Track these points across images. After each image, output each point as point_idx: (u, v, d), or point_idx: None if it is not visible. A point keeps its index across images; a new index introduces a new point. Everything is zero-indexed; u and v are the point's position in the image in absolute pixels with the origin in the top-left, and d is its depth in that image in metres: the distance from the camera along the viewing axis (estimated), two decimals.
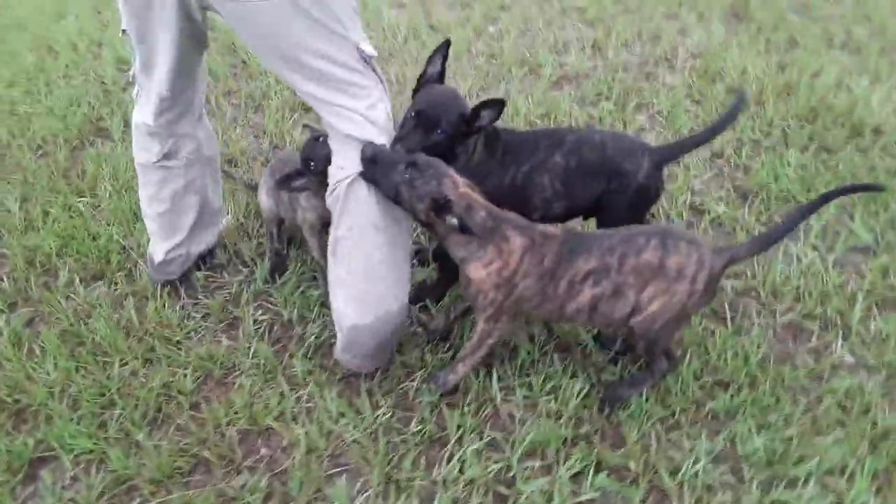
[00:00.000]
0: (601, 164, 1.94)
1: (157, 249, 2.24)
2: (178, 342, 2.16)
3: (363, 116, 1.72)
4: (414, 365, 2.07)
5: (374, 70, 1.75)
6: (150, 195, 2.15)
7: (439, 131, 1.83)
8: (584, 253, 1.70)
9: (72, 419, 1.91)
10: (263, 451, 1.88)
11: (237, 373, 2.08)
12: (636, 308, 1.72)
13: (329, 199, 1.82)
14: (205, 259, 2.38)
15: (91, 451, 1.84)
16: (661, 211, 2.65)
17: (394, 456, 1.83)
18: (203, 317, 2.26)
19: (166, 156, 2.07)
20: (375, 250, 1.79)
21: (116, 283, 2.38)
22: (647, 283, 1.69)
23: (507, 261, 1.71)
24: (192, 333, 2.20)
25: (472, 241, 1.70)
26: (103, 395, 1.98)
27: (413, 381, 2.02)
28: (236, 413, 1.94)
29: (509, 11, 4.34)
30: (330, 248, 1.84)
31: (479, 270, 1.72)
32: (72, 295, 2.32)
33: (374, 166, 1.69)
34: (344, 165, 1.76)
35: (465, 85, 3.44)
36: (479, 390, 1.98)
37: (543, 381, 1.99)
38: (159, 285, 2.30)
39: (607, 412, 1.92)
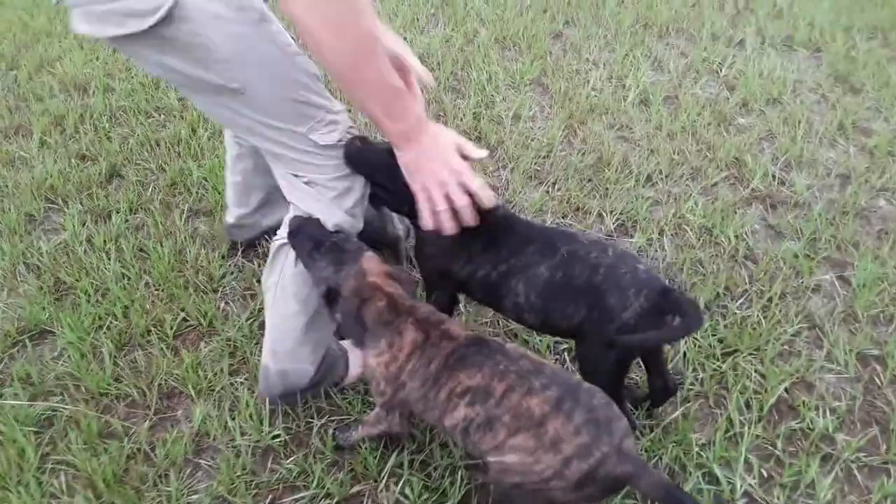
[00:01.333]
0: (584, 289, 1.66)
1: (228, 212, 2.47)
2: (203, 289, 2.40)
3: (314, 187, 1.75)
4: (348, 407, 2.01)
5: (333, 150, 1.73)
6: (229, 163, 2.37)
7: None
8: (472, 367, 1.50)
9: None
10: (174, 412, 2.02)
11: (213, 336, 2.23)
12: (497, 447, 1.46)
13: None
14: (275, 231, 2.55)
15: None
16: None
17: (249, 479, 1.83)
18: (235, 278, 2.44)
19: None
20: (290, 318, 1.82)
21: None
22: (518, 431, 1.42)
23: (395, 356, 1.58)
24: (219, 285, 2.42)
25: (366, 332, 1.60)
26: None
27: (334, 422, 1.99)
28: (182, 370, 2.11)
29: None
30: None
31: (370, 359, 1.63)
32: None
33: (294, 238, 1.71)
34: (284, 225, 1.81)
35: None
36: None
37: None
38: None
39: None
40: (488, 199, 1.64)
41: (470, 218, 1.63)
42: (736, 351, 2.17)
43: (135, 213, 2.75)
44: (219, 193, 2.74)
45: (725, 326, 2.25)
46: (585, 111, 3.39)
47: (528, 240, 1.77)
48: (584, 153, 3.10)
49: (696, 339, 2.19)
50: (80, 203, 2.78)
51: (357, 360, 2.07)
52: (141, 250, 2.55)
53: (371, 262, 1.62)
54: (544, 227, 1.89)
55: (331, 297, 1.60)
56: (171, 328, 2.23)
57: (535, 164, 3.02)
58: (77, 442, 1.89)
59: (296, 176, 1.74)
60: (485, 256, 1.78)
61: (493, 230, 1.78)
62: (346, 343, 2.08)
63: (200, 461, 1.89)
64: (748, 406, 2.03)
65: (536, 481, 1.41)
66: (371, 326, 1.58)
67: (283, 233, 1.79)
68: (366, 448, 1.86)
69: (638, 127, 3.28)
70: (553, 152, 3.08)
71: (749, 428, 1.95)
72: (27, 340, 2.21)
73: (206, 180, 2.87)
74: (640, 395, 2.02)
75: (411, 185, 1.66)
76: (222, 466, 1.83)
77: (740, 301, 2.35)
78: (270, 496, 1.81)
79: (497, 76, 3.62)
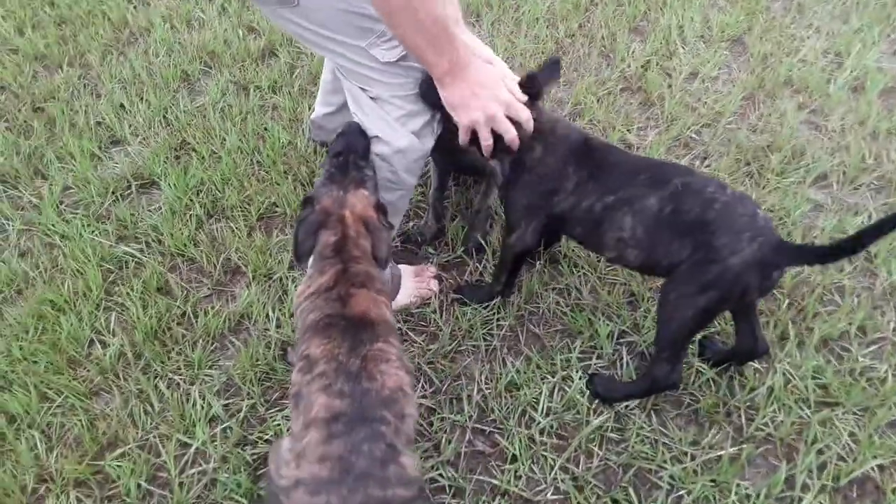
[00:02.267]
0: (693, 225, 1.53)
1: (316, 108, 2.41)
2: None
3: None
4: None
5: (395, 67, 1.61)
6: (326, 61, 2.27)
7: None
8: (325, 338, 1.32)
9: None
10: (231, 288, 2.08)
11: (289, 228, 2.25)
12: (303, 424, 1.26)
13: None
14: None
15: None
16: None
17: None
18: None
19: None
20: None
21: None
22: (307, 427, 1.22)
23: (305, 289, 1.46)
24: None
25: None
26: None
27: None
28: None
29: None
30: None
31: (300, 286, 1.51)
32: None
33: (339, 138, 1.65)
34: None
35: None
36: None
37: None
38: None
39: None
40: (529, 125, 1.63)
41: (514, 145, 1.64)
42: (836, 404, 1.78)
43: (273, 93, 2.82)
44: None
45: (836, 372, 1.85)
46: (779, 83, 2.87)
47: (638, 169, 1.64)
48: (756, 131, 2.65)
49: (790, 373, 1.83)
50: (230, 73, 2.90)
51: (406, 290, 1.98)
52: (265, 129, 2.62)
53: (358, 199, 1.49)
54: (653, 159, 1.74)
55: (306, 202, 1.52)
56: (258, 210, 2.29)
57: (692, 130, 2.64)
58: (136, 290, 2.02)
59: (362, 90, 1.65)
60: (591, 186, 1.67)
61: (599, 158, 1.69)
62: (402, 268, 1.99)
63: (234, 339, 1.94)
64: (822, 469, 1.67)
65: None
66: (315, 253, 1.47)
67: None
68: None
69: (836, 116, 2.72)
70: (719, 122, 2.67)
71: (813, 496, 1.61)
72: (136, 188, 2.39)
73: None
74: (719, 350, 1.87)
75: (458, 120, 1.56)
76: (242, 352, 1.87)
77: (871, 349, 1.91)
78: (279, 393, 1.82)
79: (692, 25, 3.18)
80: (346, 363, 1.25)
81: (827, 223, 2.25)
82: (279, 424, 1.73)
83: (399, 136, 1.66)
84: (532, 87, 1.67)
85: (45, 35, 3.13)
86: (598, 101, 2.76)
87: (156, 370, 1.85)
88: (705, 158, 2.53)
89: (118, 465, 1.65)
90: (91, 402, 1.79)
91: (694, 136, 2.63)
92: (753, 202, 1.55)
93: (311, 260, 1.49)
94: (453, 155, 1.98)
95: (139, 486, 1.63)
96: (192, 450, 1.68)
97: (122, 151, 2.56)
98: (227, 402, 1.79)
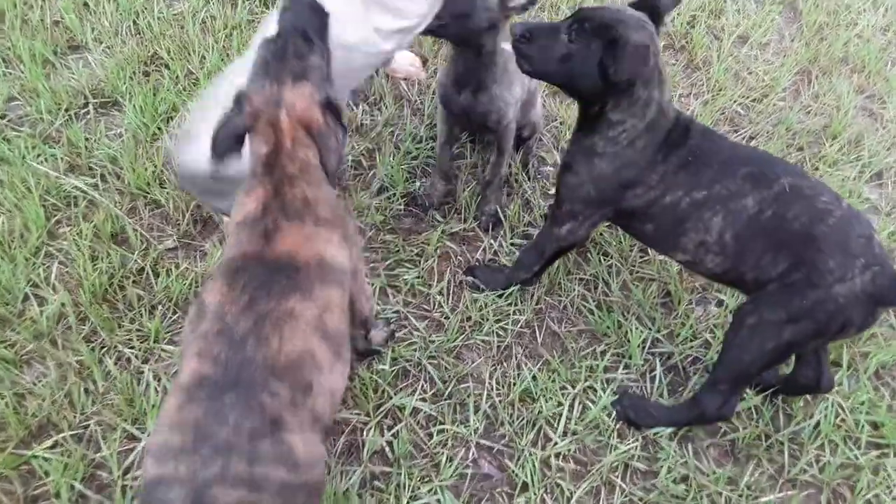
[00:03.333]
0: (796, 237, 1.28)
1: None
2: None
3: None
4: None
5: None
6: None
7: None
8: (227, 281, 1.06)
9: None
10: (200, 243, 1.75)
11: None
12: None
13: None
14: None
15: None
16: None
17: None
18: None
19: None
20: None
21: None
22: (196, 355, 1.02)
23: (234, 218, 1.15)
24: None
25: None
26: None
27: None
28: None
29: None
30: None
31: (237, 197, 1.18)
32: None
33: (283, 13, 1.24)
34: None
35: None
36: None
37: None
38: None
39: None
40: None
41: None
42: (889, 446, 1.56)
43: (266, 7, 2.41)
44: None
45: (890, 409, 1.62)
46: (835, 60, 2.56)
47: (740, 161, 1.36)
48: (809, 112, 2.35)
49: (840, 405, 1.60)
50: None
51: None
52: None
53: (298, 97, 1.13)
54: (760, 151, 1.44)
55: (238, 102, 1.15)
56: None
57: (740, 104, 2.33)
58: (84, 235, 1.68)
59: None
60: (681, 177, 1.38)
61: (696, 146, 1.39)
62: None
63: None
64: None
65: None
66: (252, 166, 1.15)
67: None
68: None
69: (894, 105, 2.44)
70: (770, 98, 2.36)
71: None
72: (95, 107, 2.01)
73: None
74: (773, 375, 1.60)
75: None
76: None
77: None
78: None
79: None
80: (235, 326, 1.01)
81: (882, 226, 2.00)
82: None
83: (359, 28, 1.34)
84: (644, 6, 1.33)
85: None
86: None
87: (102, 340, 1.54)
88: (752, 138, 2.23)
89: (47, 459, 1.35)
90: (20, 373, 1.47)
91: (741, 110, 2.32)
92: (870, 224, 1.29)
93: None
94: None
95: (72, 487, 1.33)
96: (141, 445, 1.39)
97: (82, 60, 2.16)
98: None
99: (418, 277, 1.74)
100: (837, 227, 1.25)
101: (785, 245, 1.28)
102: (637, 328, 1.66)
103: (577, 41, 1.33)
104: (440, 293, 1.71)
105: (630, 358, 1.62)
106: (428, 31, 1.54)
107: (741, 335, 1.33)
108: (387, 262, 1.75)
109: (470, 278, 1.73)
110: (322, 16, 1.23)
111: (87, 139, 1.90)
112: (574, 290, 1.74)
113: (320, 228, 1.12)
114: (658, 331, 1.68)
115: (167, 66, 2.12)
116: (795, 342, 1.29)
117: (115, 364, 1.49)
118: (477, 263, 1.79)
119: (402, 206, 1.89)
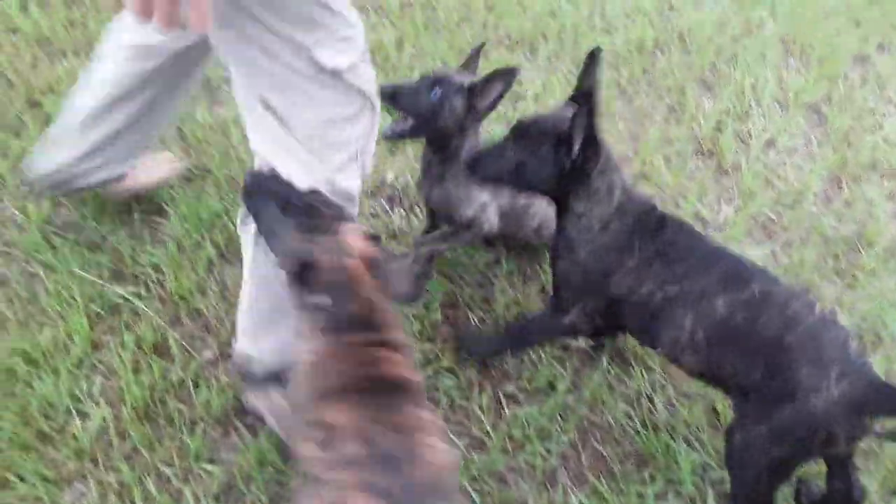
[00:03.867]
0: (770, 346, 1.28)
1: (61, 149, 1.82)
2: None
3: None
4: None
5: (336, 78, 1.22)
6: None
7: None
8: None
9: None
10: None
11: None
12: None
13: None
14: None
15: None
16: None
17: None
18: None
19: None
20: (256, 291, 1.45)
21: None
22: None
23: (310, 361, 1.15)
24: None
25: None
26: None
27: None
28: None
29: None
30: None
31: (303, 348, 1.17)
32: None
33: (251, 199, 1.23)
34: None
35: None
36: None
37: None
38: None
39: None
40: None
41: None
42: None
43: None
44: None
45: None
46: (864, 166, 2.59)
47: (713, 260, 1.38)
48: (841, 219, 2.36)
49: None
50: None
51: None
52: None
53: (354, 237, 1.15)
54: (733, 253, 1.45)
55: (304, 275, 1.14)
56: None
57: (771, 210, 2.35)
58: (127, 346, 1.69)
59: (269, 109, 1.22)
60: (655, 267, 1.39)
61: (671, 237, 1.42)
62: None
63: (240, 424, 1.61)
64: None
65: None
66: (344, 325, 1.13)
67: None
68: None
69: None
70: (801, 204, 2.38)
71: None
72: (139, 213, 2.04)
73: None
74: (815, 494, 1.52)
75: None
76: (250, 445, 1.54)
77: None
78: None
79: (766, 85, 2.89)
80: (381, 442, 1.00)
81: None
82: None
83: (316, 172, 1.27)
84: (585, 99, 1.36)
85: (52, 15, 2.78)
86: (665, 161, 2.47)
87: (143, 459, 1.52)
88: (788, 245, 2.24)
89: None
90: (60, 494, 1.45)
91: (773, 216, 2.33)
92: (845, 330, 1.29)
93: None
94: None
95: None
96: None
97: None
98: None
99: (458, 389, 1.72)
100: (808, 335, 1.25)
101: (759, 351, 1.29)
102: (686, 450, 1.62)
103: (526, 150, 1.42)
104: (480, 408, 1.69)
105: (681, 484, 1.58)
106: (396, 136, 1.62)
107: (735, 454, 1.34)
108: (426, 372, 1.74)
109: (461, 350, 1.75)
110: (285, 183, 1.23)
111: (132, 247, 1.93)
112: (618, 407, 1.71)
113: (406, 352, 1.15)
114: (708, 454, 1.64)
115: (210, 173, 2.17)
116: (786, 459, 1.28)
117: (156, 484, 1.47)
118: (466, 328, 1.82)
119: (439, 315, 1.88)
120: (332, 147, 1.27)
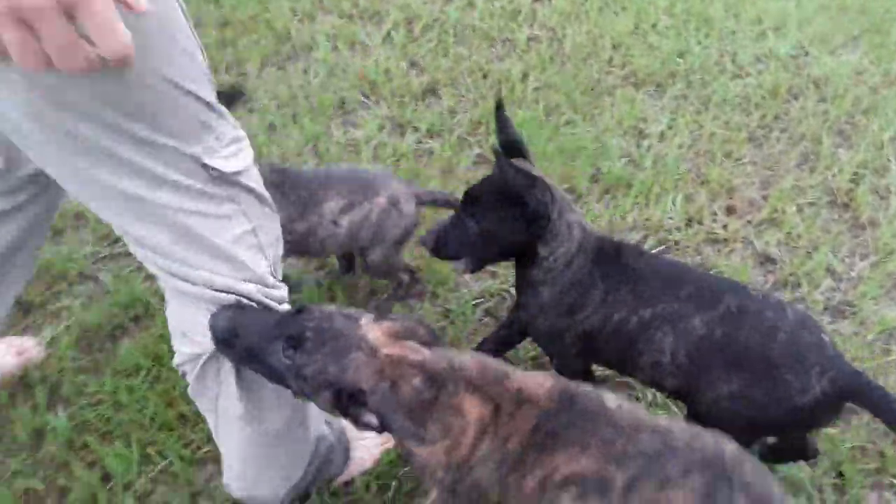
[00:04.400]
0: (754, 357, 1.34)
1: None
2: None
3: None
4: None
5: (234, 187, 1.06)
6: None
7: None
8: (572, 446, 1.08)
9: None
10: None
11: None
12: None
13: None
14: None
15: None
16: None
17: None
18: None
19: None
20: (246, 444, 1.27)
21: None
22: None
23: (457, 440, 1.12)
24: None
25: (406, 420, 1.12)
26: None
27: None
28: None
29: None
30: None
31: (420, 450, 1.15)
32: None
33: (234, 349, 1.10)
34: (194, 338, 1.13)
35: None
36: None
37: None
38: None
39: None
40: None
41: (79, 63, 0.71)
42: None
43: (430, 137, 2.58)
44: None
45: None
46: None
47: (680, 278, 1.42)
48: None
49: None
50: (388, 107, 2.69)
51: (367, 448, 1.61)
52: (416, 176, 2.37)
53: (372, 329, 1.11)
54: (695, 269, 1.56)
55: (347, 401, 1.08)
56: None
57: None
58: None
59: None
60: (623, 293, 1.41)
61: (632, 263, 1.44)
62: (345, 423, 1.50)
63: None
64: None
65: None
66: (410, 415, 1.10)
67: (194, 348, 1.14)
68: None
69: None
70: None
71: None
72: None
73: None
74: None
75: None
76: None
77: None
78: None
79: None
80: (637, 442, 1.08)
81: None
82: None
83: (242, 287, 1.11)
84: (516, 148, 1.46)
85: (205, 35, 3.02)
86: (798, 210, 2.39)
87: None
88: None
89: None
90: (194, 472, 1.55)
91: None
92: (819, 327, 1.37)
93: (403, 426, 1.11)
94: None
95: None
96: None
97: None
98: None
99: None
100: (789, 342, 1.31)
101: (742, 364, 1.33)
102: None
103: (485, 216, 1.43)
104: None
105: None
106: None
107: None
108: None
109: None
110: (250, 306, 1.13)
111: None
112: None
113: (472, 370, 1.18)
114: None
115: None
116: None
117: None
118: None
119: None
120: (253, 250, 1.12)
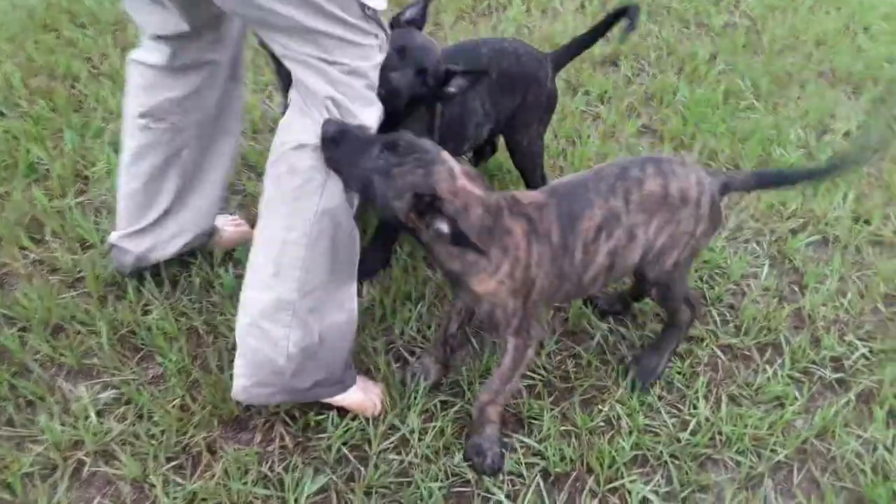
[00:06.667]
0: (521, 75, 1.86)
1: (120, 224, 1.79)
2: None
3: (349, 72, 1.29)
4: None
5: (378, 25, 1.31)
6: (125, 164, 1.70)
7: (422, 79, 1.53)
8: (586, 208, 1.42)
9: None
10: None
11: None
12: (646, 248, 1.49)
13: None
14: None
15: None
16: None
17: None
18: None
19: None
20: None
21: None
22: (653, 215, 1.46)
23: (516, 257, 1.36)
24: None
25: (468, 251, 1.30)
26: None
27: None
28: None
29: None
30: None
31: (486, 283, 1.36)
32: None
33: (338, 147, 1.28)
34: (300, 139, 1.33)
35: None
36: None
37: None
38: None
39: (640, 388, 1.68)
40: None
41: None
42: None
43: (601, 102, 2.63)
44: None
45: None
46: None
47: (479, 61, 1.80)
48: None
49: None
50: (564, 70, 2.77)
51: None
52: (578, 135, 2.44)
53: (453, 161, 1.32)
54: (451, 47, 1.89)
55: (424, 207, 1.25)
56: None
57: None
58: None
59: (331, 64, 1.27)
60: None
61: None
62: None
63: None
64: None
65: (686, 240, 1.49)
66: (477, 239, 1.26)
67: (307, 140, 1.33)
68: None
69: None
70: None
71: None
72: None
73: None
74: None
75: None
76: None
77: None
78: None
79: None
80: (609, 173, 1.47)
81: None
82: None
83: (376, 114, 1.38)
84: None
85: None
86: None
87: None
88: None
89: None
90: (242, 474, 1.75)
91: None
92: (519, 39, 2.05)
93: (464, 259, 1.34)
94: None
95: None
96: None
97: None
98: None
99: (680, 373, 1.73)
100: (525, 53, 1.87)
101: (515, 84, 1.83)
102: None
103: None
104: (696, 394, 1.67)
105: None
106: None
107: (525, 156, 1.99)
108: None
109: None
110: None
111: None
112: (850, 444, 1.59)
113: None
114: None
115: None
116: (546, 124, 2.00)
117: None
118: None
119: None
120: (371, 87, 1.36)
